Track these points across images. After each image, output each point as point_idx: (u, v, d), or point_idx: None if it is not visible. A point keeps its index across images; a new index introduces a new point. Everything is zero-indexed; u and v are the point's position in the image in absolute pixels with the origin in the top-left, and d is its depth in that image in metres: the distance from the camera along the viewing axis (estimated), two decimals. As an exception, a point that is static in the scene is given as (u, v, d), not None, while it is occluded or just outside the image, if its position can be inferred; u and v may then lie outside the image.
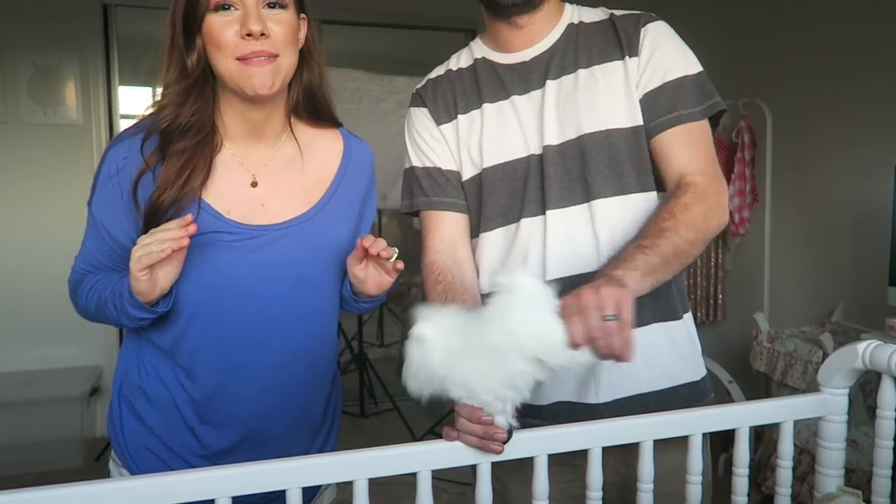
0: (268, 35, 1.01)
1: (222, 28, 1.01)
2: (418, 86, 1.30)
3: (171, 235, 0.95)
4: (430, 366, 0.90)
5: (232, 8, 1.01)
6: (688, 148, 1.14)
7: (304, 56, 1.12)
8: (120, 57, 3.59)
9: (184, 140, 1.04)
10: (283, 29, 1.03)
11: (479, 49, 1.26)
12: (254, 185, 1.11)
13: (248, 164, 1.12)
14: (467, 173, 1.22)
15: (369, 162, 1.26)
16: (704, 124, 1.16)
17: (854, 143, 2.81)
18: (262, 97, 1.04)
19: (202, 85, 1.06)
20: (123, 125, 3.67)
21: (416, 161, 1.26)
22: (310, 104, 1.16)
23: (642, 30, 1.16)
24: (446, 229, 1.24)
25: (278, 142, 1.14)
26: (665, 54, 1.15)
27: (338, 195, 1.18)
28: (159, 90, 1.10)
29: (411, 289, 4.61)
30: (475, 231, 1.24)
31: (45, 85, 3.40)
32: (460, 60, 1.27)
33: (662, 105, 1.14)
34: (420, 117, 1.26)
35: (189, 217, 0.97)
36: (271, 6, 1.03)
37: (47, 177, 3.43)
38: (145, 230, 1.01)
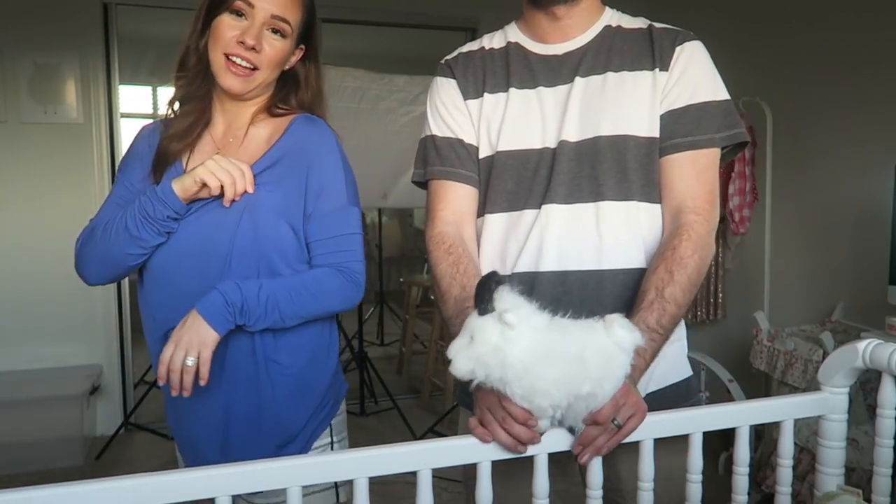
0: (258, 51, 1.19)
1: (227, 28, 1.19)
2: (448, 57, 1.30)
3: (241, 186, 1.16)
4: (508, 356, 0.89)
5: (244, 17, 1.19)
6: (692, 178, 1.15)
7: (297, 80, 1.30)
8: (120, 55, 3.59)
9: (191, 104, 1.26)
10: (274, 52, 1.21)
11: (513, 33, 1.26)
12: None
13: (218, 142, 1.28)
14: (482, 152, 1.23)
15: (312, 144, 1.24)
16: (716, 153, 1.17)
17: (854, 143, 2.81)
18: (232, 93, 1.23)
19: (208, 68, 1.23)
20: (124, 124, 3.67)
21: (436, 130, 1.26)
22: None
23: (678, 47, 1.17)
24: (458, 202, 1.23)
25: (243, 130, 1.28)
26: (695, 76, 1.16)
27: (267, 169, 1.22)
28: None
29: (411, 288, 4.60)
30: (480, 210, 1.24)
31: (46, 84, 3.40)
32: (493, 41, 1.28)
33: (682, 127, 1.15)
34: (447, 88, 1.26)
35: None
36: (274, 31, 1.20)
37: (47, 176, 3.42)
38: (154, 170, 1.23)
